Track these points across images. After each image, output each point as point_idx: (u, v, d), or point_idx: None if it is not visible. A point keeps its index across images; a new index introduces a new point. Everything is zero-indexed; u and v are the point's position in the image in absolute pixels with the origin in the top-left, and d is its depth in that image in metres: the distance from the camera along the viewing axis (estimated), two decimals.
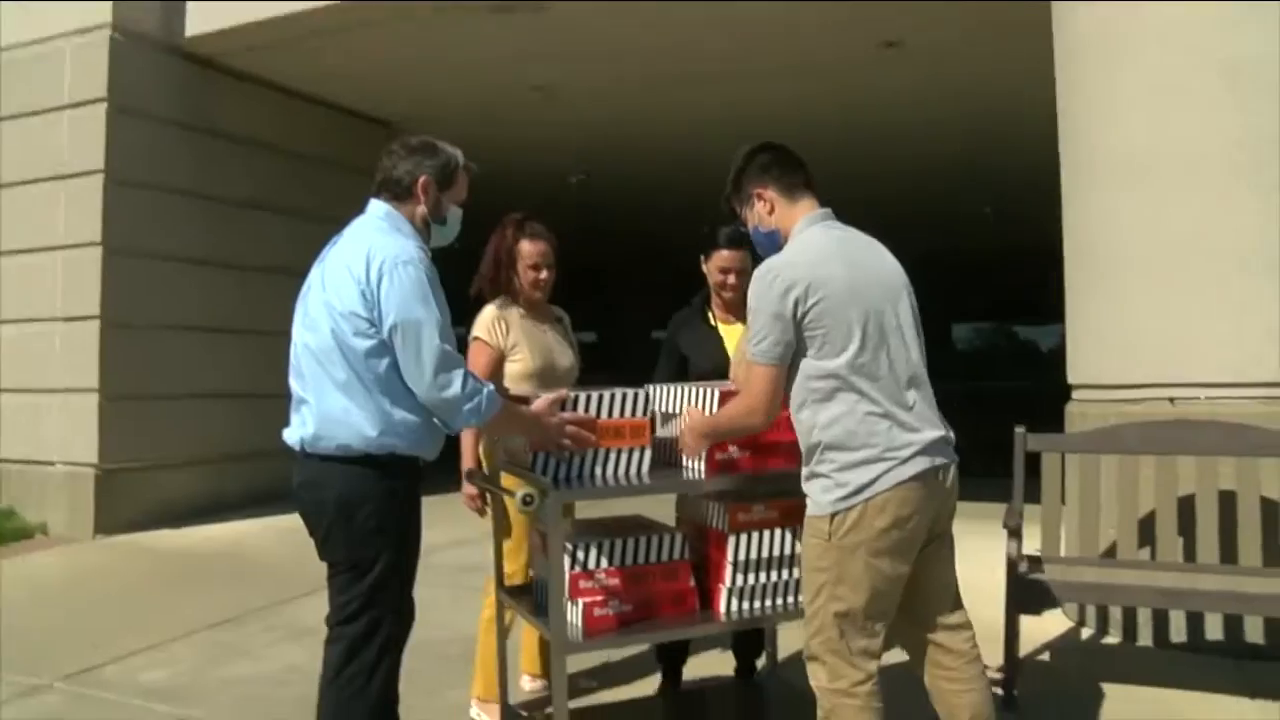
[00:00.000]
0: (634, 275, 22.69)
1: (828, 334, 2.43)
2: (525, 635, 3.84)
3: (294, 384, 2.64)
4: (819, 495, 2.46)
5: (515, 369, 3.54)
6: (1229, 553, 4.19)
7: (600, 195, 13.93)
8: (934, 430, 2.51)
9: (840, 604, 2.44)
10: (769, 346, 2.44)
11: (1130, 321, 4.53)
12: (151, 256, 7.73)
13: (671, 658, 3.72)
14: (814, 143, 12.15)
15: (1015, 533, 3.82)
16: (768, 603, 2.73)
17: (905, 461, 2.42)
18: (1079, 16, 4.81)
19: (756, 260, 2.64)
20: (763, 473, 2.70)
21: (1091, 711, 3.67)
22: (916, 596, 2.58)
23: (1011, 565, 3.76)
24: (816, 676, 2.49)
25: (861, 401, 2.43)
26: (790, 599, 2.78)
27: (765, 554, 2.71)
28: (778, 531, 2.73)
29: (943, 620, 2.63)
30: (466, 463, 3.43)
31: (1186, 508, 4.29)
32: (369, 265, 2.47)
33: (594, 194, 13.77)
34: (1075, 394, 4.85)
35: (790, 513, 2.73)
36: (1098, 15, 4.70)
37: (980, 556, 5.34)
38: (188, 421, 7.96)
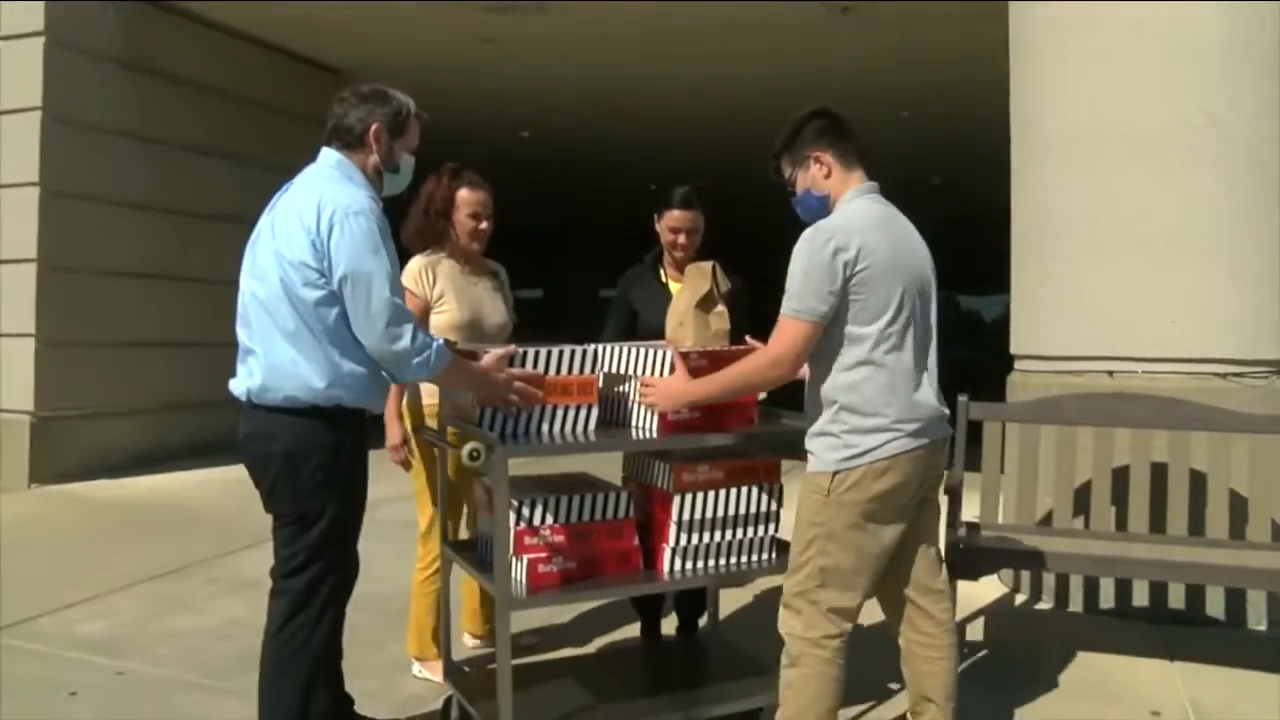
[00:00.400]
0: (581, 232, 22.60)
1: (866, 300, 2.52)
2: (465, 593, 3.85)
3: (241, 334, 2.61)
4: (825, 453, 2.57)
5: (441, 320, 3.46)
6: (1158, 522, 4.30)
7: (550, 150, 13.81)
8: (938, 408, 2.65)
9: (828, 559, 2.55)
10: (815, 304, 2.50)
11: (1073, 295, 4.61)
12: (92, 199, 7.55)
13: (648, 608, 3.80)
14: (762, 103, 12.27)
15: (955, 500, 3.88)
16: (711, 563, 2.78)
17: (910, 434, 2.55)
18: None
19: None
20: (718, 432, 2.73)
21: (1023, 674, 3.77)
22: (903, 556, 2.72)
23: (950, 531, 3.83)
24: (789, 624, 2.60)
25: (882, 371, 2.54)
26: (735, 559, 2.82)
27: (710, 514, 2.74)
28: (723, 492, 2.76)
29: (925, 583, 2.78)
30: (389, 418, 3.41)
31: (1121, 478, 4.39)
32: (319, 215, 2.44)
33: (543, 149, 13.64)
34: (1018, 364, 4.94)
35: (736, 473, 2.78)
36: None
37: None
38: (128, 369, 7.82)
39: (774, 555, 2.91)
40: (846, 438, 2.54)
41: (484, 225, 3.57)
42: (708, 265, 3.64)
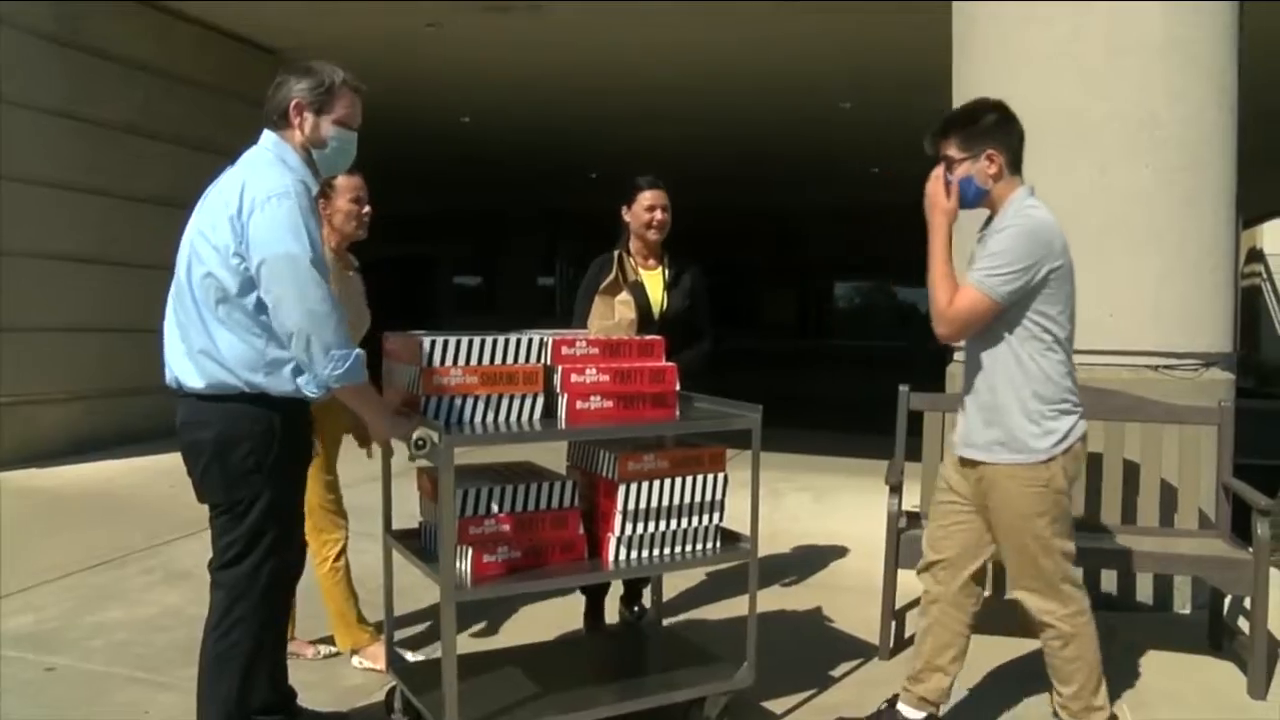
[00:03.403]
0: (519, 219, 22.55)
1: (1054, 295, 2.74)
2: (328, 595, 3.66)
3: (170, 319, 2.57)
4: (1034, 442, 2.77)
5: None
6: (1093, 511, 4.37)
7: (490, 136, 13.72)
8: None
9: (1064, 541, 2.83)
10: (1010, 289, 2.69)
11: None
12: (17, 179, 7.33)
13: (593, 590, 3.86)
14: (705, 91, 12.25)
15: (896, 489, 3.95)
16: (656, 552, 2.81)
17: (1083, 417, 2.86)
18: None
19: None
20: (630, 424, 2.76)
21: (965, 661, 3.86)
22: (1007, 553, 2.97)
23: (892, 521, 3.90)
24: (1053, 609, 2.85)
25: (1065, 361, 2.80)
26: (680, 548, 2.85)
27: (655, 504, 2.77)
28: (668, 481, 2.79)
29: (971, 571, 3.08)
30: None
31: None
32: (242, 197, 2.40)
33: (484, 134, 13.55)
34: (956, 355, 5.01)
35: (681, 463, 2.81)
36: None
37: (862, 511, 5.60)
38: (57, 355, 7.64)
39: (719, 544, 2.95)
40: (1047, 424, 2.77)
41: (367, 209, 3.46)
42: (615, 254, 3.70)
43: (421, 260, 24.08)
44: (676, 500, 2.79)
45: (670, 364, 2.81)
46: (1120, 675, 3.65)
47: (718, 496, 2.91)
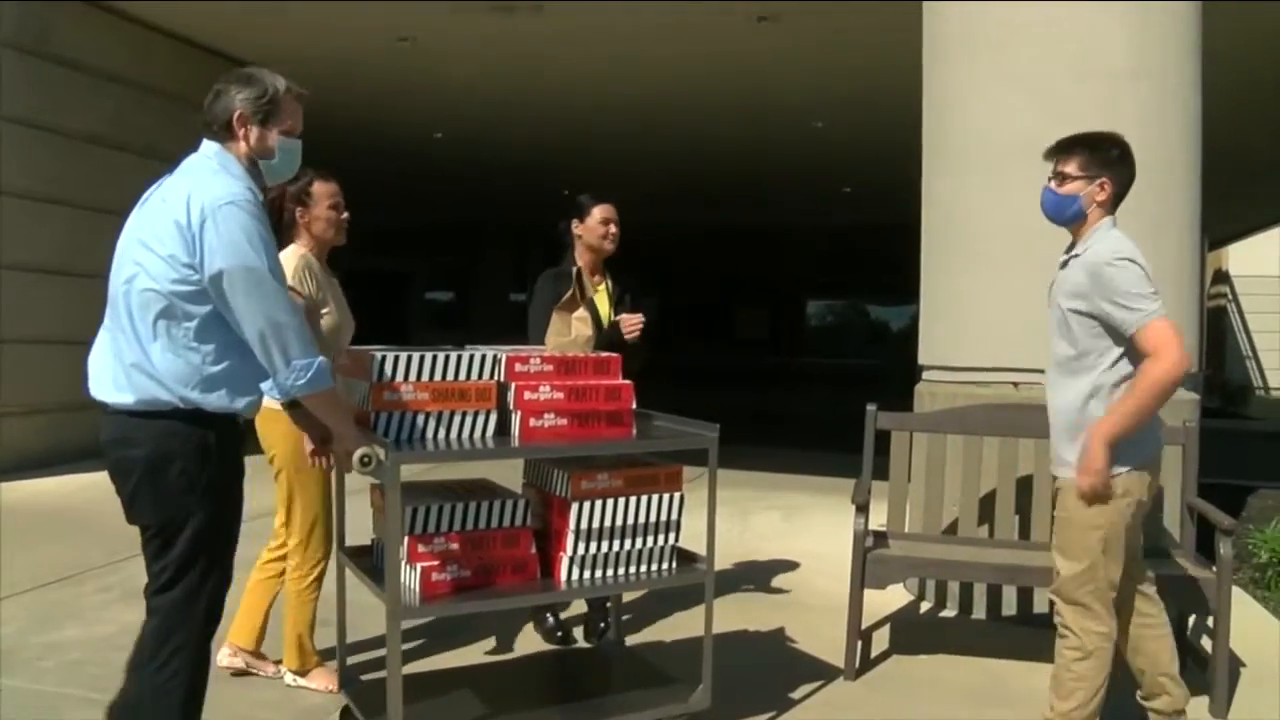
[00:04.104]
0: (492, 235, 22.48)
1: None
2: (246, 600, 3.61)
3: (104, 331, 2.47)
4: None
5: (325, 324, 3.33)
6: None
7: (462, 152, 13.64)
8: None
9: (1113, 562, 2.88)
10: (1158, 301, 2.80)
11: (980, 305, 4.66)
12: None
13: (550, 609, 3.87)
14: (676, 105, 12.25)
15: (863, 509, 3.91)
16: (610, 572, 2.73)
17: (1159, 441, 2.96)
18: (947, 12, 4.93)
19: None
20: (584, 442, 2.69)
21: (928, 680, 3.81)
22: (1134, 551, 3.06)
23: (858, 540, 3.85)
24: (1081, 622, 2.91)
25: None
26: (634, 569, 2.78)
27: (609, 523, 2.70)
28: (622, 500, 2.72)
29: (1143, 572, 3.16)
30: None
31: (1025, 487, 4.47)
32: (190, 206, 2.30)
33: (456, 150, 13.48)
34: (925, 374, 4.98)
35: (636, 482, 2.74)
36: (962, 10, 4.82)
37: (831, 530, 5.55)
38: (19, 368, 7.49)
39: (674, 565, 2.87)
40: (1123, 441, 2.82)
41: (346, 215, 3.44)
42: (573, 270, 3.68)
43: (393, 276, 23.95)
44: (631, 520, 2.71)
45: (626, 382, 2.75)
46: None
47: (673, 516, 2.83)
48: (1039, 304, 4.54)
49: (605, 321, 3.81)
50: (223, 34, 8.79)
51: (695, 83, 9.82)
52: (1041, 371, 4.48)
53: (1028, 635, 4.29)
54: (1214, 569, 3.59)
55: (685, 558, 2.94)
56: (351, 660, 3.45)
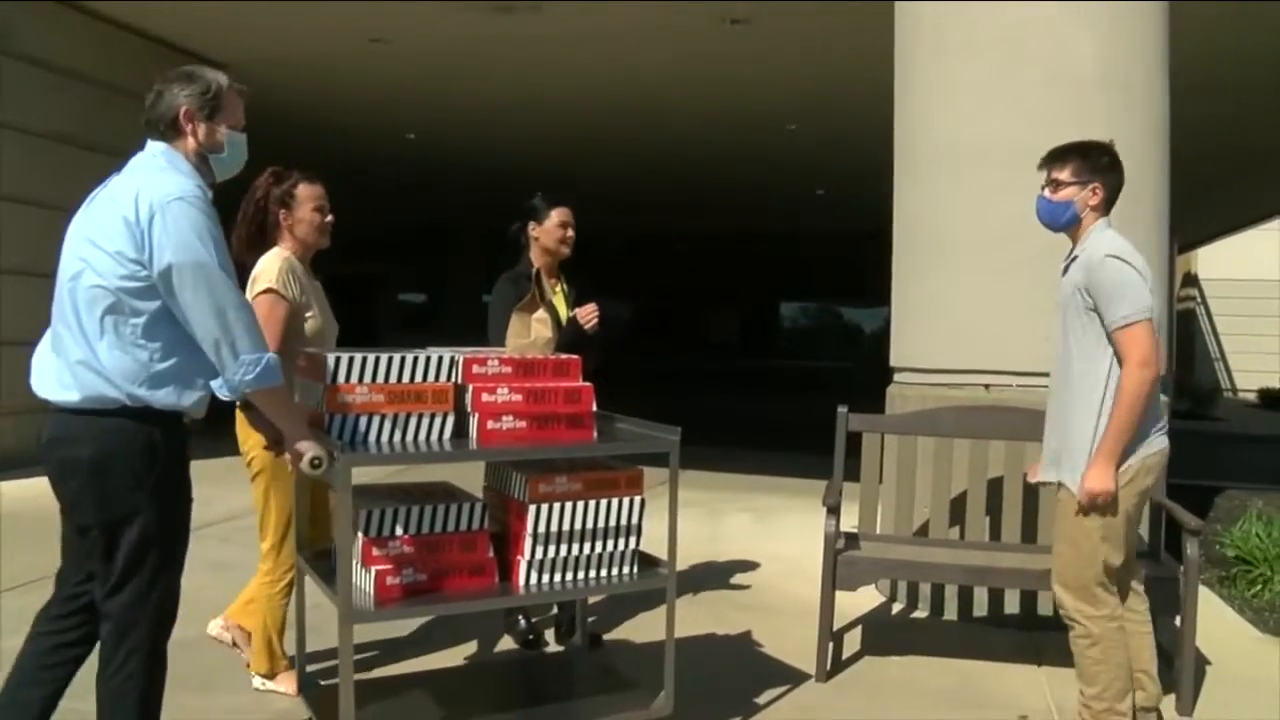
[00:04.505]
0: (464, 237, 22.31)
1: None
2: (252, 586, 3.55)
3: (51, 329, 2.43)
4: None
5: (309, 327, 3.29)
6: (1030, 532, 4.38)
7: (435, 154, 13.51)
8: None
9: (1112, 551, 2.97)
10: (1145, 304, 2.88)
11: (951, 309, 4.63)
12: None
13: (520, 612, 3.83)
14: (649, 108, 12.19)
15: (834, 511, 3.87)
16: (568, 576, 2.64)
17: (1163, 432, 3.04)
18: (919, 13, 4.90)
19: None
20: (543, 445, 2.60)
21: (899, 682, 3.78)
22: (1131, 548, 3.13)
23: (829, 543, 3.81)
24: (1084, 609, 3.01)
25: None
26: (594, 573, 2.68)
27: (566, 527, 2.61)
28: (580, 504, 2.63)
29: (1136, 566, 3.25)
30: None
31: (995, 489, 4.45)
32: (139, 203, 2.26)
33: (428, 152, 13.36)
34: (897, 376, 4.94)
35: (595, 485, 2.65)
36: (934, 13, 4.79)
37: (803, 532, 5.50)
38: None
39: (635, 570, 2.77)
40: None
41: (330, 218, 3.42)
42: (533, 271, 3.62)
43: (366, 278, 23.72)
44: (590, 524, 2.62)
45: (587, 384, 2.67)
46: (1054, 698, 3.62)
47: (634, 521, 2.73)
48: (1010, 306, 4.56)
49: (564, 323, 3.78)
50: (192, 34, 8.64)
51: (667, 87, 9.77)
52: (1013, 374, 4.54)
53: (999, 636, 4.27)
54: (1182, 569, 3.56)
55: (648, 562, 2.85)
56: (321, 665, 3.43)
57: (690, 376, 21.36)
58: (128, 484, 2.30)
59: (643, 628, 4.20)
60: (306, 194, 3.34)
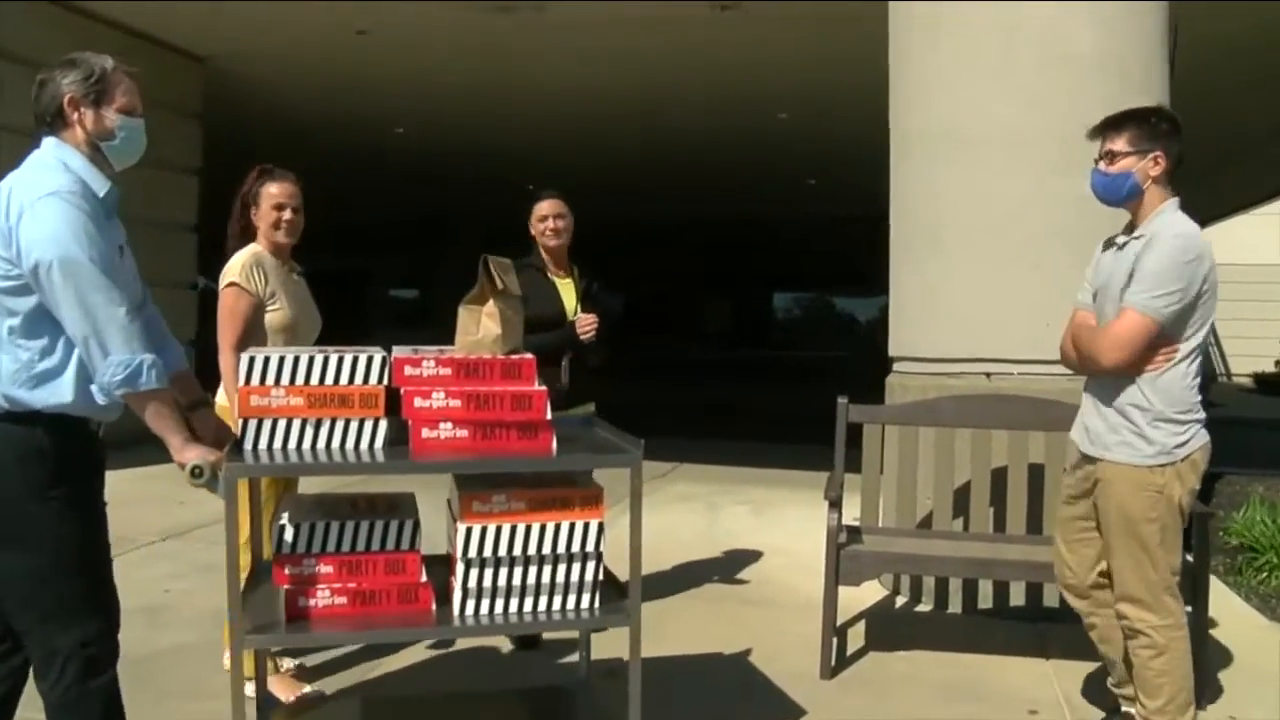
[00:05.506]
0: (457, 231, 21.72)
1: (1204, 313, 2.61)
2: None
3: None
4: (1152, 447, 2.61)
5: (274, 320, 3.10)
6: (1035, 522, 4.00)
7: (424, 147, 12.80)
8: None
9: (1171, 553, 2.64)
10: (1167, 304, 2.53)
11: (950, 297, 4.23)
12: None
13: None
14: (640, 97, 11.57)
15: (835, 504, 3.54)
16: (511, 607, 2.14)
17: (1205, 426, 2.68)
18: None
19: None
20: (489, 457, 2.12)
21: (905, 677, 3.46)
22: None
23: (831, 536, 3.48)
24: (1148, 619, 2.64)
25: (1193, 375, 2.64)
26: (541, 605, 2.17)
27: (507, 552, 2.11)
28: (523, 526, 2.12)
29: None
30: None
31: (999, 479, 4.08)
32: (9, 200, 2.02)
33: (418, 145, 12.72)
34: (896, 366, 4.53)
35: (543, 505, 2.14)
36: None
37: (803, 525, 5.09)
38: None
39: (595, 599, 2.19)
40: (1168, 429, 2.61)
41: (288, 215, 3.18)
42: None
43: (357, 274, 23.24)
44: (534, 549, 2.11)
45: (540, 389, 2.16)
46: (1062, 691, 3.32)
47: (590, 547, 2.16)
48: (1010, 292, 4.09)
49: (571, 314, 3.62)
50: (177, 29, 8.10)
51: (658, 76, 9.16)
52: (1014, 361, 4.10)
53: (1005, 629, 3.93)
54: (1191, 556, 3.19)
55: (616, 591, 2.31)
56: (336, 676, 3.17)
57: (684, 367, 20.78)
58: (10, 496, 2.00)
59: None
60: (265, 192, 3.17)
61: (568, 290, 3.68)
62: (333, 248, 19.17)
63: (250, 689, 2.96)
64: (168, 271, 7.50)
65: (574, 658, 3.21)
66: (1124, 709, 2.87)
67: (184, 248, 8.58)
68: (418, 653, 3.44)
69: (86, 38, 7.52)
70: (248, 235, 3.19)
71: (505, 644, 3.55)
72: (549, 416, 2.12)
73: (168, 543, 4.76)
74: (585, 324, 3.57)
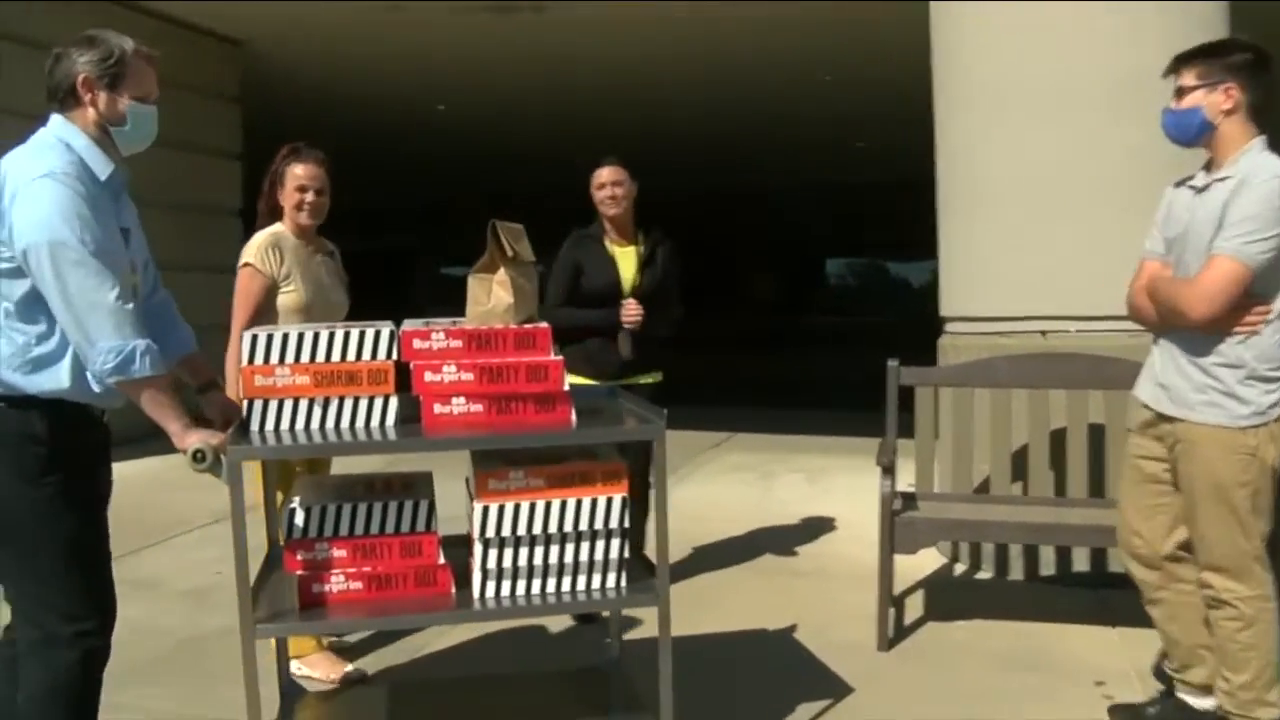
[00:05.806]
0: (510, 208, 21.42)
1: None
2: None
3: None
4: (1244, 407, 2.38)
5: (287, 301, 3.03)
6: (1097, 486, 3.79)
7: (468, 125, 12.63)
8: None
9: (1263, 519, 2.44)
10: (1263, 251, 2.29)
11: (1002, 253, 4.00)
12: None
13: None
14: (683, 71, 11.12)
15: (889, 470, 3.36)
16: (534, 589, 2.04)
17: None
18: None
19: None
20: (506, 432, 2.00)
21: (965, 648, 3.31)
22: None
23: (885, 504, 3.31)
24: (1236, 589, 2.44)
25: None
26: (565, 586, 2.07)
27: (527, 531, 2.01)
28: (542, 504, 2.01)
29: None
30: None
31: (1058, 441, 3.86)
32: (5, 182, 1.96)
33: (462, 124, 12.57)
34: (948, 327, 4.31)
35: (563, 481, 2.03)
36: None
37: (856, 494, 4.91)
38: None
39: (621, 578, 2.09)
40: (1261, 388, 2.38)
41: (310, 197, 3.11)
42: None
43: (405, 252, 23.28)
44: (555, 527, 2.00)
45: (557, 359, 2.05)
46: (1131, 662, 3.14)
47: (614, 523, 2.06)
48: (1062, 250, 3.82)
49: (629, 283, 3.55)
50: (211, 12, 7.83)
51: (703, 43, 8.86)
52: (1070, 319, 3.86)
53: (1068, 596, 3.75)
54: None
55: (646, 569, 2.21)
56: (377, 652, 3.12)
57: (732, 336, 20.44)
58: (7, 475, 1.95)
59: (680, 611, 3.67)
60: (294, 172, 3.11)
61: (627, 259, 3.58)
62: (383, 226, 19.21)
63: (296, 666, 2.96)
64: (211, 256, 7.44)
65: (631, 634, 3.14)
66: (1178, 694, 2.67)
67: (227, 232, 8.61)
68: (464, 630, 3.36)
69: (122, 25, 7.42)
70: (275, 214, 3.13)
71: (554, 619, 3.46)
72: (566, 387, 2.00)
73: (221, 525, 4.76)
74: (630, 311, 3.50)
